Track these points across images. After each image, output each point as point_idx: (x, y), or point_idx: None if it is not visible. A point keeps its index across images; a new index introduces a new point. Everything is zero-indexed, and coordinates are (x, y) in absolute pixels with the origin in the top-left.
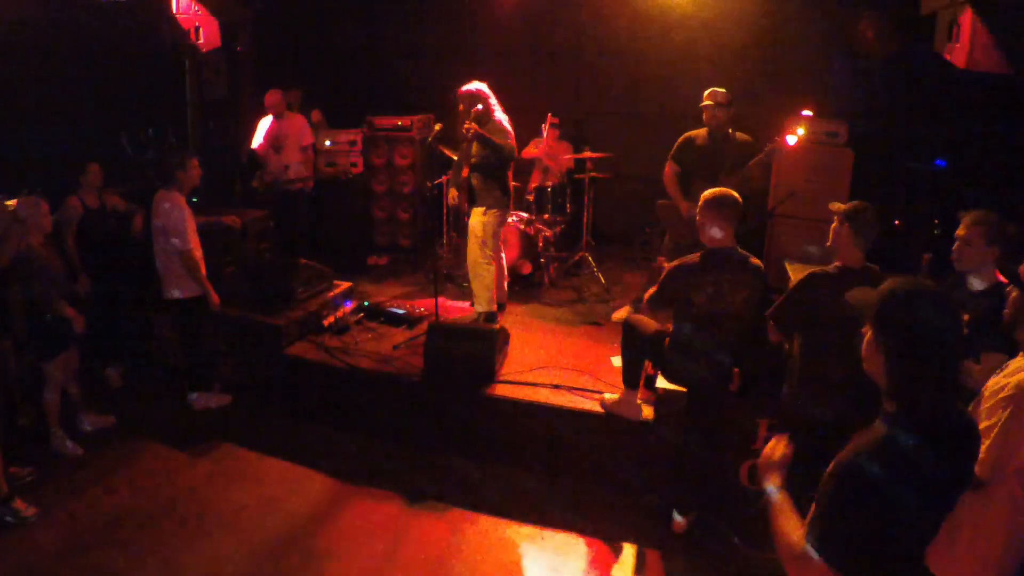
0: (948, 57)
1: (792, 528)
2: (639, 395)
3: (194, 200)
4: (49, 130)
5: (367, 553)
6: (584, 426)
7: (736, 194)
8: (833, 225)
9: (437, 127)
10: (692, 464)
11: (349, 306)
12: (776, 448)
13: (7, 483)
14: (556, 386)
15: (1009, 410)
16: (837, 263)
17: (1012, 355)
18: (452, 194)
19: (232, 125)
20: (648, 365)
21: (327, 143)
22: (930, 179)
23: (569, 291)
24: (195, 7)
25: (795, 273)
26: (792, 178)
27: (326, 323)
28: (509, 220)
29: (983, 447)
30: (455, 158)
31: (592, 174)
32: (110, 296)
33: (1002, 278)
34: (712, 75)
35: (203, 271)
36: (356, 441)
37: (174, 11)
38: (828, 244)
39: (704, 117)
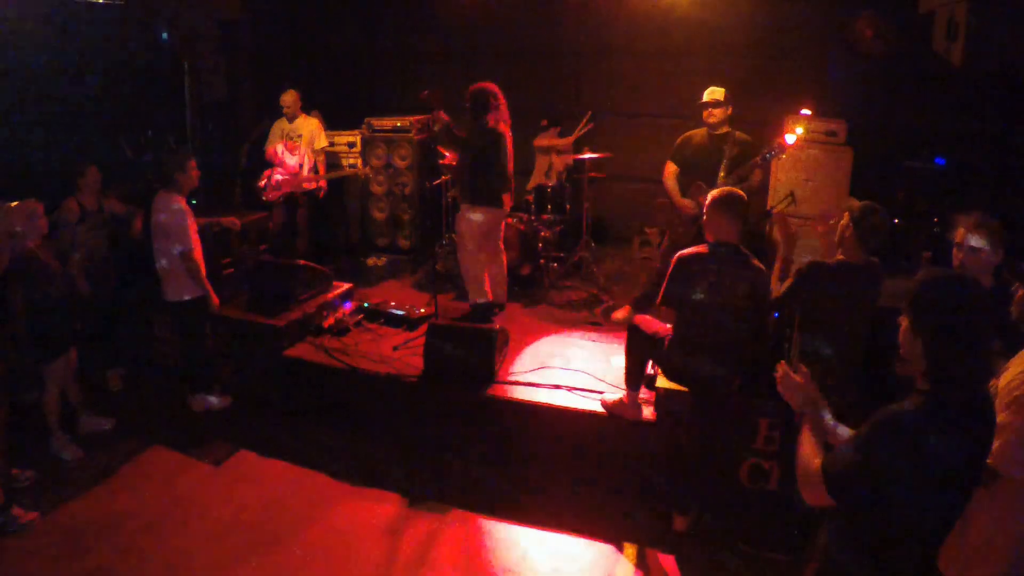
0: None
1: (811, 451)
2: (640, 395)
3: (193, 202)
4: (48, 133)
5: (367, 553)
6: (584, 426)
7: (742, 193)
8: (842, 223)
9: (445, 118)
10: (692, 464)
11: (349, 307)
12: (792, 373)
13: (5, 489)
14: (556, 386)
15: None
16: (839, 257)
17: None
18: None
19: (231, 127)
20: (649, 365)
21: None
22: (930, 178)
23: (569, 291)
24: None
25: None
26: (791, 177)
27: (326, 324)
28: (509, 220)
29: (1002, 441)
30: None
31: (591, 174)
32: (110, 298)
33: (995, 281)
34: (712, 75)
35: (203, 272)
36: (356, 441)
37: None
38: (835, 239)
39: (703, 116)
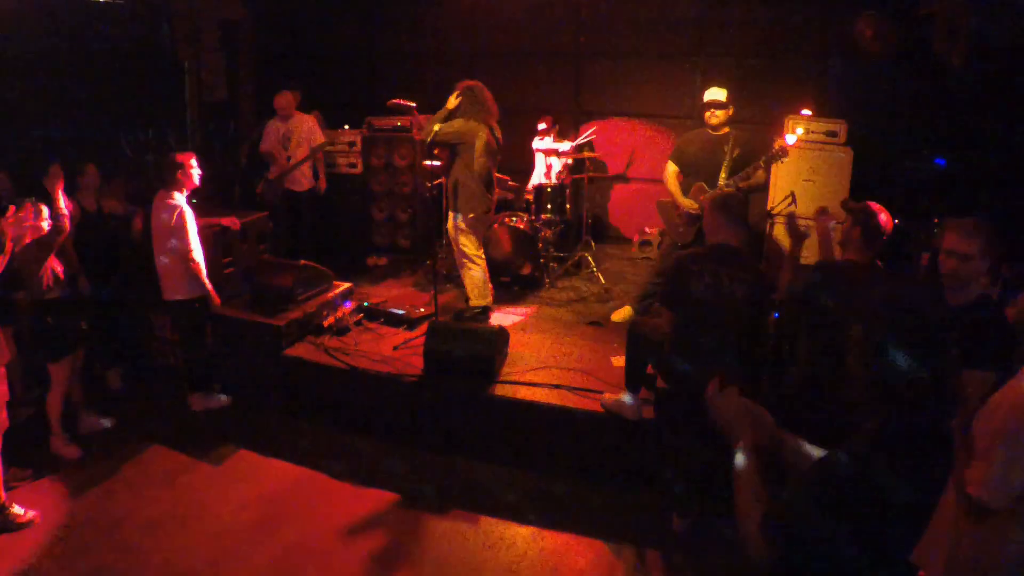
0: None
1: (750, 506)
2: (640, 395)
3: (193, 201)
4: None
5: (368, 553)
6: (584, 426)
7: (741, 195)
8: (844, 225)
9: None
10: (692, 464)
11: (349, 307)
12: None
13: (5, 488)
14: (556, 386)
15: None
16: (848, 257)
17: (1000, 372)
18: None
19: (232, 126)
20: (650, 366)
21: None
22: (930, 178)
23: (569, 291)
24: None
25: None
26: (791, 178)
27: (326, 324)
28: (509, 220)
29: (982, 468)
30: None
31: (591, 174)
32: (110, 298)
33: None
34: (712, 75)
35: (204, 272)
36: (356, 441)
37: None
38: (838, 241)
39: (705, 117)
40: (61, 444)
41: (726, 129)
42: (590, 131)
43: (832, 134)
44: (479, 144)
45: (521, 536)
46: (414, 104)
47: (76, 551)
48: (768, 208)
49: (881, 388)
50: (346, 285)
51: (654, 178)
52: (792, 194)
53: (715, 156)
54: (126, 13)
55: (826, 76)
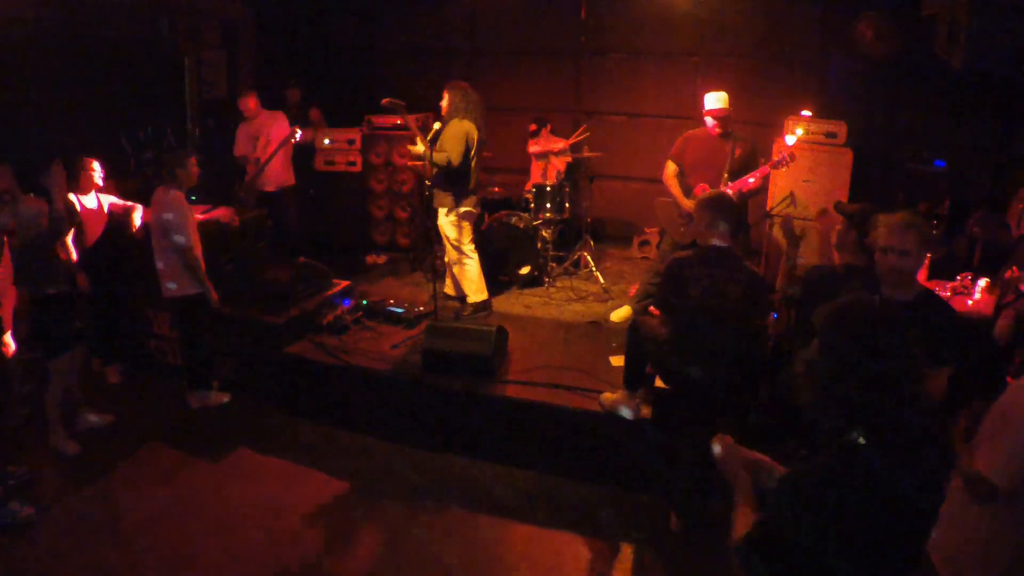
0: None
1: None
2: (638, 395)
3: (192, 199)
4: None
5: (367, 553)
6: (583, 426)
7: (732, 196)
8: (838, 227)
9: (436, 127)
10: (690, 464)
11: (348, 305)
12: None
13: (3, 484)
14: (555, 385)
15: None
16: (845, 260)
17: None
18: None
19: (232, 125)
20: (649, 365)
21: (326, 141)
22: (930, 180)
23: (568, 291)
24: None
25: None
26: (791, 178)
27: (325, 322)
28: (509, 219)
29: (999, 453)
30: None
31: (591, 174)
32: (109, 294)
33: (927, 285)
34: (712, 75)
35: (203, 269)
36: (355, 440)
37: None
38: (833, 243)
39: (704, 118)
40: (60, 441)
41: (726, 129)
42: (581, 130)
43: (832, 135)
44: (473, 141)
45: (520, 535)
46: (403, 103)
47: (75, 548)
48: (768, 209)
49: (825, 392)
50: (345, 283)
51: (654, 178)
52: (791, 195)
53: (717, 157)
54: (126, 10)
55: (826, 77)
